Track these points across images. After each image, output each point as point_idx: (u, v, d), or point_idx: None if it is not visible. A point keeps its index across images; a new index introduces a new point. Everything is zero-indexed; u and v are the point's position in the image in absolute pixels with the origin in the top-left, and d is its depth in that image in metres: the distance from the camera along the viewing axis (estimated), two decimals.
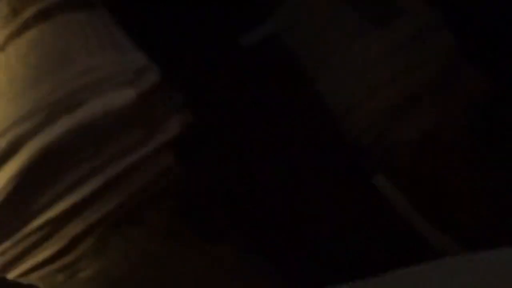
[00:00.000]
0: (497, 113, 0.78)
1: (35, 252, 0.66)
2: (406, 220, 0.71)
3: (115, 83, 0.60)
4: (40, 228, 0.64)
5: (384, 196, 0.73)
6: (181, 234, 0.68)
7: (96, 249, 0.67)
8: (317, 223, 0.70)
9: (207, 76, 0.77)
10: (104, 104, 0.60)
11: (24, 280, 0.65)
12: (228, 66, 0.78)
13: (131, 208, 0.67)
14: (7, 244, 0.64)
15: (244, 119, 0.74)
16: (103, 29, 0.64)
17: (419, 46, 0.77)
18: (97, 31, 0.63)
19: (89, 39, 0.62)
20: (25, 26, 0.68)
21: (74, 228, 0.66)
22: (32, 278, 0.66)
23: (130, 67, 0.59)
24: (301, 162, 0.76)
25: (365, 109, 0.77)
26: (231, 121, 0.74)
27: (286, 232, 0.70)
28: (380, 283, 0.50)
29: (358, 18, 0.79)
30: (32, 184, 0.61)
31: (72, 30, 0.64)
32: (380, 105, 0.77)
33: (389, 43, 0.76)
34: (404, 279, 0.50)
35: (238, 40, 0.79)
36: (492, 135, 0.78)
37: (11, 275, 0.66)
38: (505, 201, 0.75)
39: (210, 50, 0.79)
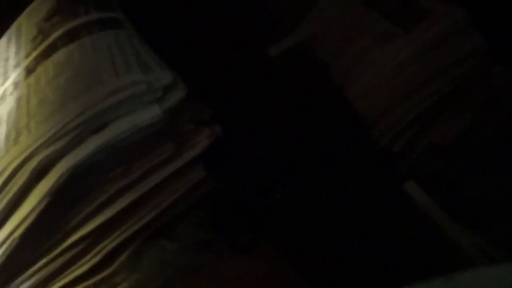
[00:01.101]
0: None
1: (71, 268, 0.66)
2: (439, 226, 0.70)
3: (141, 101, 0.60)
4: (75, 244, 0.65)
5: (416, 202, 0.72)
6: (212, 246, 0.68)
7: (131, 263, 0.67)
8: (347, 232, 0.70)
9: (235, 87, 0.77)
10: (131, 122, 0.60)
11: None
12: (256, 76, 0.78)
13: (163, 222, 0.67)
14: (42, 261, 0.65)
15: (274, 130, 0.74)
16: (129, 48, 0.64)
17: (448, 48, 0.76)
18: (123, 51, 0.64)
19: (116, 59, 0.63)
20: (53, 48, 0.70)
21: (109, 244, 0.66)
22: None
23: (157, 85, 0.60)
24: (331, 170, 0.75)
25: (396, 114, 0.76)
26: (260, 132, 0.74)
27: (316, 243, 0.70)
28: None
29: (386, 23, 0.78)
30: (64, 202, 0.62)
31: (99, 51, 0.65)
32: (411, 110, 0.76)
33: (417, 46, 0.75)
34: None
35: (266, 50, 0.78)
36: None
37: None
38: None
39: (238, 61, 0.79)
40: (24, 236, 0.63)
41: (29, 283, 0.66)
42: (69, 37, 0.74)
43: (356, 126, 0.76)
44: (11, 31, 0.87)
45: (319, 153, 0.73)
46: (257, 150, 0.73)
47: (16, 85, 0.74)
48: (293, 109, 0.76)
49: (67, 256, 0.66)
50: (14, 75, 0.76)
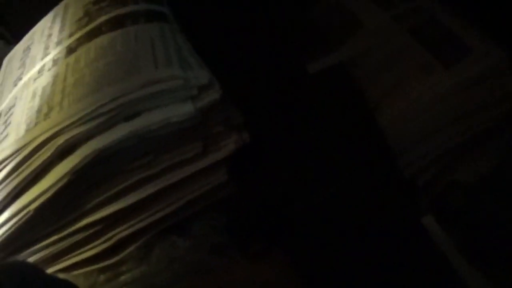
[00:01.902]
0: None
1: (80, 250, 0.67)
2: (451, 265, 0.70)
3: (177, 97, 0.60)
4: (88, 227, 0.65)
5: (432, 238, 0.72)
6: (225, 249, 0.68)
7: (140, 255, 0.67)
8: (360, 254, 0.70)
9: (270, 97, 0.77)
10: (163, 115, 0.60)
11: (64, 276, 0.66)
12: (293, 90, 0.78)
13: (178, 219, 0.67)
14: (53, 238, 0.65)
15: (303, 143, 0.74)
16: (172, 43, 0.65)
17: (486, 88, 0.75)
18: (165, 44, 0.64)
19: (157, 51, 0.63)
20: (97, 32, 0.70)
21: (121, 232, 0.66)
22: (73, 275, 0.67)
23: (193, 83, 0.60)
24: (354, 192, 0.75)
25: (425, 147, 0.76)
26: (289, 144, 0.74)
27: (329, 260, 0.70)
28: None
29: (427, 55, 0.78)
30: (84, 183, 0.62)
31: (142, 41, 0.65)
32: (441, 145, 0.75)
33: (455, 82, 0.75)
34: None
35: (306, 66, 0.79)
36: None
37: (53, 269, 0.67)
38: None
39: (276, 73, 0.79)
40: (39, 210, 0.63)
41: (36, 256, 0.67)
42: (114, 24, 0.74)
43: (384, 153, 0.76)
44: (58, 9, 0.88)
45: (345, 172, 0.73)
46: (283, 161, 0.73)
47: (55, 62, 0.75)
48: (324, 127, 0.76)
49: (79, 237, 0.67)
50: (54, 52, 0.77)
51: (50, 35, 0.82)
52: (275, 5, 0.92)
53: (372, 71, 0.81)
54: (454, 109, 0.74)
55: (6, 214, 0.63)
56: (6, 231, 0.64)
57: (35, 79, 0.75)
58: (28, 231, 0.65)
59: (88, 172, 0.62)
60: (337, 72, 0.81)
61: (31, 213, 0.62)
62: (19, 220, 0.63)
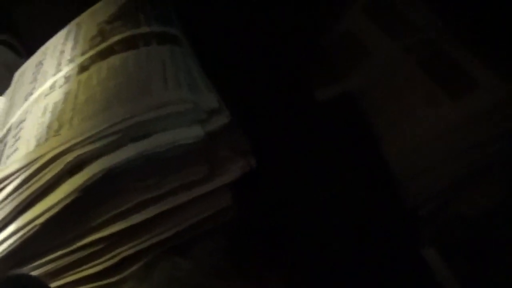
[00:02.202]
0: None
1: (83, 266, 0.67)
2: None
3: (185, 120, 0.61)
4: (92, 244, 0.66)
5: (431, 269, 0.72)
6: (225, 272, 0.68)
7: (142, 274, 0.68)
8: (360, 281, 0.70)
9: (278, 124, 0.78)
10: (171, 138, 0.61)
11: None
12: (299, 116, 0.79)
13: (181, 240, 0.67)
14: (57, 253, 0.66)
15: (307, 171, 0.75)
16: (182, 66, 0.65)
17: (491, 121, 0.76)
18: (176, 67, 0.65)
19: (168, 74, 0.64)
20: (110, 51, 0.71)
21: (125, 250, 0.67)
22: None
23: (203, 107, 0.61)
24: (355, 219, 0.76)
25: (428, 179, 0.76)
26: (293, 171, 0.75)
27: (328, 283, 0.70)
28: None
29: (434, 87, 0.79)
30: (91, 201, 0.63)
31: (154, 63, 0.66)
32: (445, 176, 0.76)
33: (461, 116, 0.75)
34: None
35: (314, 94, 0.79)
36: None
37: (56, 283, 0.67)
38: None
39: (283, 99, 0.80)
40: (46, 225, 0.64)
41: (41, 270, 0.67)
42: (127, 44, 0.75)
43: (387, 183, 0.76)
44: (72, 26, 0.89)
45: (348, 202, 0.74)
46: (287, 188, 0.73)
47: (67, 79, 0.76)
48: (329, 155, 0.76)
49: (83, 253, 0.67)
50: (67, 69, 0.78)
51: (63, 52, 0.83)
52: (285, 32, 0.93)
53: (379, 100, 0.81)
54: (459, 142, 0.74)
55: (13, 227, 0.64)
56: (12, 243, 0.64)
57: (46, 95, 0.75)
58: (33, 245, 0.65)
59: (95, 190, 0.63)
60: (344, 101, 0.82)
61: (37, 227, 0.63)
62: (25, 233, 0.64)
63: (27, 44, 1.06)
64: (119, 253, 0.67)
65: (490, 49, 0.80)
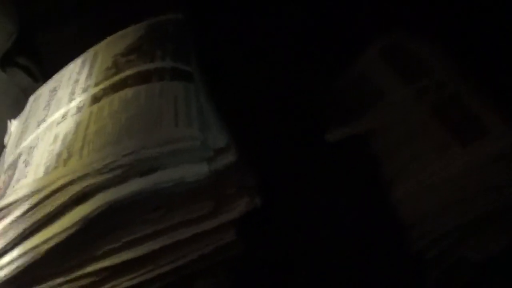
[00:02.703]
0: None
1: None
2: None
3: (193, 157, 0.62)
4: (93, 274, 0.66)
5: None
6: None
7: None
8: None
9: (287, 162, 0.79)
10: (178, 174, 0.62)
11: None
12: (309, 157, 0.80)
13: (183, 275, 0.68)
14: (61, 279, 0.66)
15: (312, 212, 0.75)
16: (194, 104, 0.66)
17: (500, 169, 0.76)
18: (188, 104, 0.66)
19: (179, 110, 0.65)
20: (123, 84, 0.72)
21: (124, 282, 0.67)
22: None
23: (211, 145, 0.61)
24: (360, 260, 0.76)
25: (435, 222, 0.76)
26: (300, 210, 0.75)
27: None
28: None
29: (445, 132, 0.79)
30: (94, 231, 0.63)
31: (166, 98, 0.67)
32: (451, 221, 0.76)
33: (471, 162, 0.75)
34: None
35: (324, 136, 0.80)
36: None
37: None
38: None
39: (293, 139, 0.81)
40: (49, 252, 0.64)
41: None
42: (140, 78, 0.76)
43: (393, 226, 0.76)
44: (88, 54, 0.91)
45: (353, 242, 0.74)
46: (293, 227, 0.74)
47: (79, 108, 0.77)
48: (337, 196, 0.77)
49: (84, 281, 0.68)
50: (80, 99, 0.79)
51: (77, 81, 0.84)
52: (301, 72, 0.94)
53: (390, 144, 0.82)
54: (467, 188, 0.74)
55: (16, 252, 0.65)
56: (15, 268, 0.65)
57: (58, 123, 0.76)
58: (35, 271, 0.66)
59: (100, 221, 0.63)
60: (355, 143, 0.82)
61: (41, 254, 0.64)
62: (29, 259, 0.64)
63: (44, 68, 1.08)
64: (120, 284, 0.67)
65: (502, 95, 0.80)
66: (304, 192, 0.78)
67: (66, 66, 0.93)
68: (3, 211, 0.67)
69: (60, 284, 0.68)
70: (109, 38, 0.92)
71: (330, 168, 0.81)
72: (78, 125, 0.73)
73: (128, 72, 0.78)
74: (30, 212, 0.65)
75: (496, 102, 0.80)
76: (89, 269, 0.67)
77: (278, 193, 0.73)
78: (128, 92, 0.74)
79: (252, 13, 1.06)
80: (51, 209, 0.64)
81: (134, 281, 0.67)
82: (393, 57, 0.92)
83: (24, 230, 0.65)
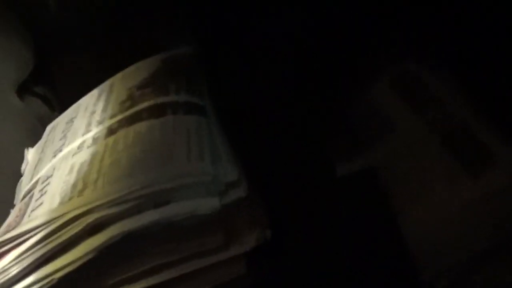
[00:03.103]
0: None
1: None
2: None
3: (204, 191, 0.63)
4: None
5: None
6: None
7: None
8: None
9: (298, 195, 0.80)
10: (190, 207, 0.63)
11: None
12: (319, 190, 0.81)
13: None
14: None
15: (322, 245, 0.76)
16: (207, 138, 0.68)
17: (510, 199, 0.76)
18: (200, 138, 0.67)
19: (192, 144, 0.67)
20: (138, 117, 0.74)
21: None
22: None
23: (223, 179, 0.63)
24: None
25: (445, 253, 0.76)
26: (310, 244, 0.76)
27: None
28: None
29: (456, 163, 0.79)
30: (108, 261, 0.65)
31: (179, 132, 0.68)
32: (461, 251, 0.76)
33: (481, 193, 0.76)
34: None
35: (334, 168, 0.81)
36: None
37: None
38: None
39: (304, 170, 0.82)
40: (62, 280, 0.65)
41: None
42: (155, 112, 0.78)
43: (404, 256, 0.77)
44: (105, 86, 0.93)
45: (363, 274, 0.74)
46: (303, 259, 0.75)
47: (95, 140, 0.78)
48: (347, 227, 0.77)
49: None
50: (95, 130, 0.80)
51: (93, 112, 0.86)
52: (309, 101, 0.95)
53: (400, 174, 0.82)
54: (478, 218, 0.74)
55: (31, 279, 0.66)
56: None
57: (74, 154, 0.78)
58: None
59: (113, 251, 0.65)
60: (365, 173, 0.83)
61: (54, 281, 0.65)
62: (42, 286, 0.65)
63: (60, 97, 1.10)
64: None
65: None
66: (313, 224, 0.79)
67: (83, 98, 0.95)
68: (19, 239, 0.68)
69: None
70: (124, 71, 0.94)
71: (339, 199, 0.82)
72: (93, 156, 0.75)
73: (143, 106, 0.80)
74: (45, 241, 0.66)
75: (506, 133, 0.81)
76: None
77: (287, 226, 0.74)
78: (142, 126, 0.76)
79: (265, 46, 1.07)
80: (66, 239, 0.66)
81: None
82: (404, 87, 0.93)
83: (39, 258, 0.66)
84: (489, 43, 0.94)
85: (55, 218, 0.67)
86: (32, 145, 0.96)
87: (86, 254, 0.65)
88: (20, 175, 0.92)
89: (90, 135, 0.80)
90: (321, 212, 0.81)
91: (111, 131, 0.78)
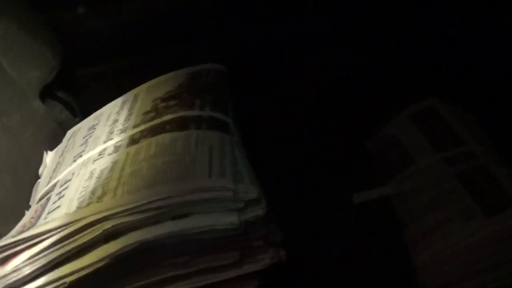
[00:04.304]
0: None
1: None
2: None
3: (224, 206, 0.64)
4: None
5: None
6: None
7: None
8: None
9: (311, 221, 0.81)
10: (208, 222, 0.64)
11: None
12: (334, 217, 0.82)
13: None
14: None
15: (334, 270, 0.76)
16: (228, 155, 0.68)
17: None
18: (222, 155, 0.68)
19: (214, 160, 0.67)
20: (161, 129, 0.74)
21: None
22: None
23: (242, 197, 0.63)
24: None
25: None
26: (324, 267, 0.77)
27: None
28: None
29: (470, 201, 0.80)
30: (121, 269, 0.65)
31: (201, 147, 0.69)
32: None
33: (494, 232, 0.76)
34: None
35: (351, 197, 0.81)
36: None
37: None
38: None
39: (321, 198, 0.83)
40: (74, 284, 0.65)
41: None
42: (178, 125, 0.79)
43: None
44: (129, 96, 0.93)
45: None
46: (315, 285, 0.75)
47: (117, 148, 0.79)
48: (360, 257, 0.78)
49: None
50: (117, 139, 0.81)
51: (116, 121, 0.87)
52: (331, 130, 0.95)
53: (416, 209, 0.83)
54: (488, 258, 0.75)
55: (42, 280, 0.66)
56: None
57: (94, 160, 0.79)
58: None
59: (127, 259, 0.65)
60: (381, 206, 0.83)
61: (65, 285, 0.65)
62: None
63: (82, 104, 1.11)
64: None
65: None
66: (327, 250, 0.79)
67: (106, 105, 0.95)
68: (34, 239, 0.68)
69: None
70: (150, 82, 0.95)
71: (355, 228, 0.82)
72: (114, 164, 0.75)
73: (167, 118, 0.81)
74: (60, 244, 0.67)
75: None
76: None
77: (302, 250, 0.74)
78: (165, 137, 0.76)
79: (288, 72, 1.09)
80: (81, 243, 0.66)
81: None
82: (425, 123, 0.93)
83: (52, 260, 0.67)
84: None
85: (72, 222, 0.67)
86: (51, 149, 0.96)
87: (101, 260, 0.65)
88: (38, 178, 0.92)
89: (111, 143, 0.81)
90: (336, 238, 0.81)
91: (133, 141, 0.79)
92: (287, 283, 0.73)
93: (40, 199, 0.81)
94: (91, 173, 0.75)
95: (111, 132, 0.84)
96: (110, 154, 0.78)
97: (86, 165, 0.79)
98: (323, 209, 0.84)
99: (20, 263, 0.67)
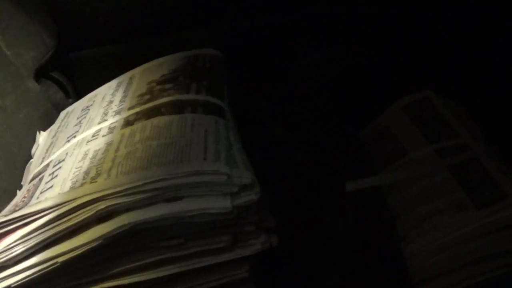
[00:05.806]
0: None
1: None
2: None
3: (217, 190, 0.64)
4: None
5: None
6: None
7: None
8: None
9: (306, 207, 0.82)
10: (201, 205, 0.63)
11: None
12: (327, 204, 0.82)
13: None
14: None
15: (326, 258, 0.77)
16: (223, 139, 0.68)
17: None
18: (217, 139, 0.68)
19: (208, 144, 0.67)
20: (156, 112, 0.74)
21: None
22: None
23: (236, 181, 0.63)
24: None
25: (445, 281, 0.77)
26: (313, 256, 0.77)
27: None
28: None
29: (462, 194, 0.80)
30: (114, 250, 0.65)
31: (196, 131, 0.69)
32: (461, 282, 0.77)
33: (484, 224, 0.76)
34: None
35: (343, 185, 0.81)
36: None
37: None
38: None
39: (313, 185, 0.84)
40: (65, 264, 0.65)
41: None
42: (174, 108, 0.79)
43: (403, 280, 0.77)
44: (123, 78, 0.93)
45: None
46: (305, 271, 0.75)
47: (111, 129, 0.79)
48: (350, 245, 0.78)
49: None
50: (112, 120, 0.81)
51: (110, 102, 0.87)
52: (325, 119, 0.96)
53: (407, 199, 0.83)
54: (479, 249, 0.75)
55: (34, 260, 0.66)
56: (30, 275, 0.66)
57: (88, 141, 0.79)
58: (49, 281, 0.67)
59: (120, 241, 0.65)
60: (372, 195, 0.84)
61: (57, 264, 0.65)
62: (45, 268, 0.65)
63: (77, 85, 1.10)
64: None
65: None
66: (318, 237, 0.80)
67: (101, 87, 0.95)
68: (26, 219, 0.68)
69: None
70: (145, 65, 0.95)
71: (347, 216, 0.82)
72: (108, 145, 0.75)
73: (163, 101, 0.81)
74: (52, 224, 0.67)
75: None
76: (103, 286, 0.68)
77: (292, 236, 0.75)
78: (161, 120, 0.76)
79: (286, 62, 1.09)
80: (74, 223, 0.66)
81: None
82: (418, 115, 0.94)
83: (45, 240, 0.66)
84: (507, 80, 0.95)
85: (65, 202, 0.67)
86: (45, 129, 0.96)
87: (93, 240, 0.65)
88: (30, 157, 0.92)
89: (106, 124, 0.81)
90: (327, 225, 0.82)
91: (128, 122, 0.78)
92: (278, 269, 0.73)
93: (33, 179, 0.81)
94: (85, 154, 0.75)
95: (105, 114, 0.84)
96: (104, 136, 0.77)
97: (80, 145, 0.79)
98: (316, 197, 0.84)
99: (12, 242, 0.67)
